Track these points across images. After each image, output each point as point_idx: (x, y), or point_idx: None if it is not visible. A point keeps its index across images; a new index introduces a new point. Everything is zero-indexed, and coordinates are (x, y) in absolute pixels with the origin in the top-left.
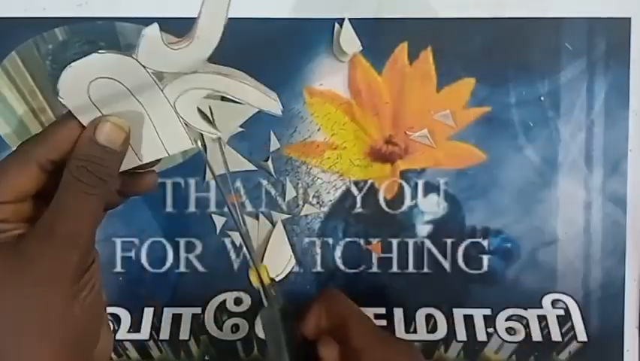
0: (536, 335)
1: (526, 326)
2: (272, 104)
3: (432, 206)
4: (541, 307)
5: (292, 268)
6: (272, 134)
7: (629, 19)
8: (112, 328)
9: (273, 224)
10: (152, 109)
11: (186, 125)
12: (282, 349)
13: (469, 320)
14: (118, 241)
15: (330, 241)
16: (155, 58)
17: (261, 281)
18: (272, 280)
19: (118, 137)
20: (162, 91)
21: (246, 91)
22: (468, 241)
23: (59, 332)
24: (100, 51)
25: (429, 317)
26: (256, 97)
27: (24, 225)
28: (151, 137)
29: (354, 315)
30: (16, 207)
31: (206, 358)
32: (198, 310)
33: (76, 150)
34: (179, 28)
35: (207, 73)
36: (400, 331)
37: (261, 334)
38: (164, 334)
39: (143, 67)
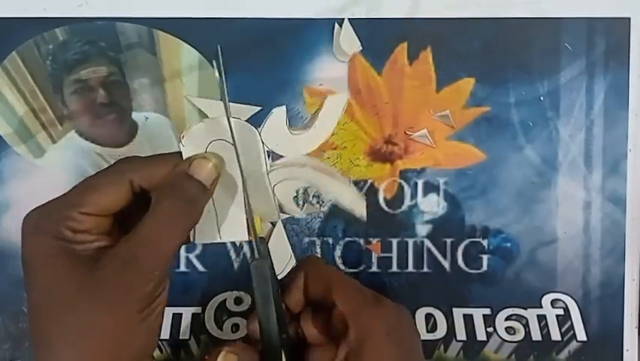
0: (536, 335)
1: (526, 326)
2: (361, 207)
3: (431, 206)
4: (541, 306)
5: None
6: None
7: (629, 19)
8: None
9: (273, 224)
10: (250, 186)
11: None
12: (270, 302)
13: (468, 320)
14: None
15: (330, 240)
16: (274, 137)
17: (254, 232)
18: (262, 238)
19: (210, 174)
20: (267, 174)
21: (342, 192)
22: (467, 241)
23: (116, 351)
24: (233, 117)
25: (428, 317)
26: (350, 198)
27: (105, 238)
28: (224, 214)
29: (337, 280)
30: (100, 221)
31: (207, 358)
32: (198, 310)
33: (168, 182)
34: (179, 28)
35: (313, 169)
36: None
37: None
38: (164, 334)
39: (263, 142)
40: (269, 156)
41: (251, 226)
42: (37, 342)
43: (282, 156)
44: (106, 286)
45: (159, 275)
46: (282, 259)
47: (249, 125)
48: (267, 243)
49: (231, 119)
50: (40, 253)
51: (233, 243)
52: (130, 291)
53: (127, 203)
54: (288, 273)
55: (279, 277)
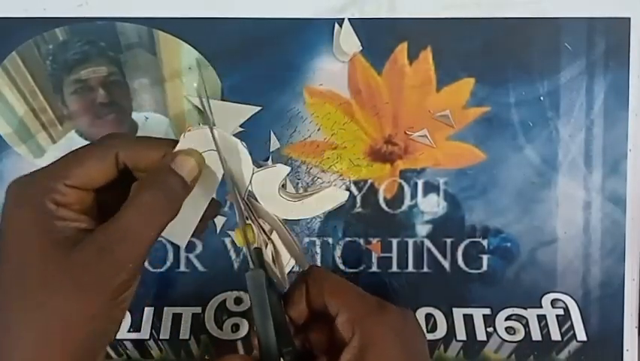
0: (536, 335)
1: (526, 326)
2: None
3: (431, 206)
4: (541, 306)
5: (292, 268)
6: (272, 134)
7: (629, 19)
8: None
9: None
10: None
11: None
12: (267, 312)
13: (468, 320)
14: None
15: (330, 240)
16: (264, 186)
17: (247, 242)
18: (258, 248)
19: (192, 170)
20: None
21: (287, 263)
22: (467, 241)
23: (77, 341)
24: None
25: (428, 317)
26: (285, 273)
27: (85, 218)
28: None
29: (340, 288)
30: (81, 195)
31: (206, 358)
32: (198, 310)
33: (152, 173)
34: (179, 28)
35: (276, 232)
36: None
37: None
38: (164, 333)
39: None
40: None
41: (243, 237)
42: None
43: (258, 202)
44: (79, 271)
45: (133, 268)
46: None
47: (240, 143)
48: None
49: (216, 130)
50: (19, 227)
51: (233, 243)
52: (102, 280)
53: (110, 179)
54: (291, 285)
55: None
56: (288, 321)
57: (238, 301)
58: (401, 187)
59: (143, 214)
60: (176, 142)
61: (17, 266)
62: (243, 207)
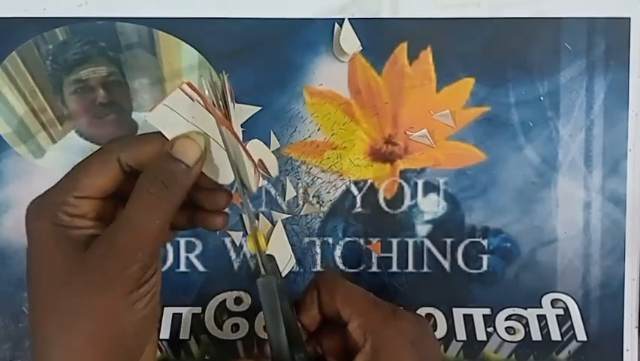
0: (536, 335)
1: (526, 326)
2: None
3: (431, 206)
4: (541, 306)
5: (292, 268)
6: (272, 134)
7: (629, 19)
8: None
9: (273, 224)
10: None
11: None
12: (279, 318)
13: (468, 320)
14: None
15: (330, 240)
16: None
17: (258, 248)
18: (270, 255)
19: (193, 154)
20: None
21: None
22: (467, 241)
23: (107, 337)
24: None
25: (428, 317)
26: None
27: (99, 225)
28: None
29: (353, 294)
30: (95, 204)
31: (206, 358)
32: (198, 310)
33: (152, 162)
34: (179, 28)
35: None
36: None
37: (260, 333)
38: (164, 334)
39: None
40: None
41: (254, 243)
42: (34, 331)
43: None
44: (93, 269)
45: (143, 257)
46: (282, 259)
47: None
48: (270, 247)
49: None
50: (40, 239)
51: (233, 243)
52: (113, 274)
53: (119, 183)
54: (303, 291)
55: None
56: (300, 327)
57: (238, 301)
58: (401, 187)
59: (142, 203)
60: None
61: (41, 276)
62: (250, 214)
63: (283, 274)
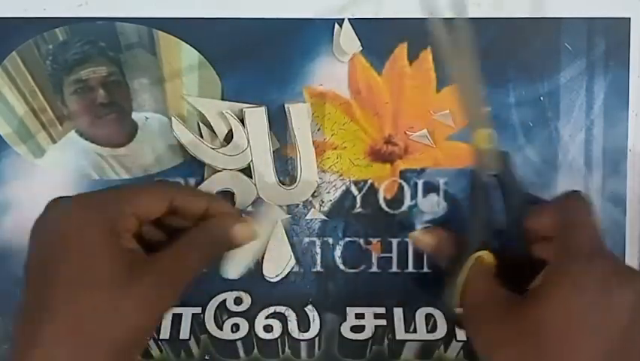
0: None
1: None
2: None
3: (431, 206)
4: None
5: (292, 268)
6: (272, 134)
7: (629, 19)
8: None
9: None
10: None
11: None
12: (481, 214)
13: None
14: None
15: (330, 240)
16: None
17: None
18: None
19: (246, 240)
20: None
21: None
22: None
23: (120, 343)
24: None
25: (429, 317)
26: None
27: (135, 242)
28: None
29: (584, 227)
30: (136, 224)
31: (206, 358)
32: (198, 310)
33: (213, 235)
34: (179, 28)
35: None
36: (399, 331)
37: (260, 333)
38: (164, 334)
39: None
40: None
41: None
42: (34, 330)
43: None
44: (139, 290)
45: (174, 301)
46: (282, 259)
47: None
48: (267, 242)
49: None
50: (92, 243)
51: None
52: (151, 302)
53: (158, 216)
54: (548, 201)
55: (279, 278)
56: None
57: (238, 301)
58: (401, 187)
59: (191, 264)
60: (220, 199)
61: (84, 268)
62: None
63: (283, 274)
